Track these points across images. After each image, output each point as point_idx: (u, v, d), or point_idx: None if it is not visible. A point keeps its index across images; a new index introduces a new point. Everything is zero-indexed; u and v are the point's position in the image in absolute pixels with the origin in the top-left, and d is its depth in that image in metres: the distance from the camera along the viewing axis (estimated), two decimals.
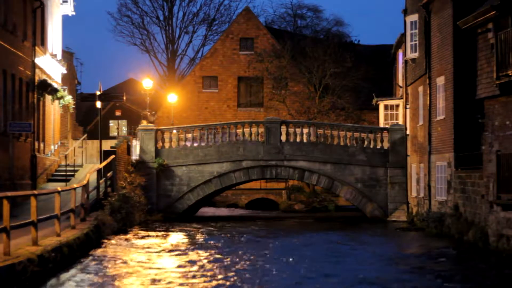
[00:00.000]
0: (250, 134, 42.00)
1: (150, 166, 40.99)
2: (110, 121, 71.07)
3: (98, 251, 24.54)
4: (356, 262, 23.64)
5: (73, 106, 44.79)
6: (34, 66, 35.79)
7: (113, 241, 27.67)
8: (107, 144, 39.73)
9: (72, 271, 20.34)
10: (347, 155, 41.34)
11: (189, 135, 41.56)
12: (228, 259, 23.83)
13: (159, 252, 25.54)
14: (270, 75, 56.86)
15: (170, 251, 26.02)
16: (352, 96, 56.29)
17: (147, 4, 77.16)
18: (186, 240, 29.98)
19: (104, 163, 34.24)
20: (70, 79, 48.35)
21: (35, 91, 35.98)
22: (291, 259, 23.88)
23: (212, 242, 29.17)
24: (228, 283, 19.15)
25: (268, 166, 41.65)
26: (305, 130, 42.12)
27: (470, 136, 31.82)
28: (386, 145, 41.74)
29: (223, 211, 50.36)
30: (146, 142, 41.49)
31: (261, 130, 42.23)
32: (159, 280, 19.40)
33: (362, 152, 41.25)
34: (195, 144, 41.44)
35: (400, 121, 45.66)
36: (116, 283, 18.82)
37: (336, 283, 19.50)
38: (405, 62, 42.41)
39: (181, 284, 18.93)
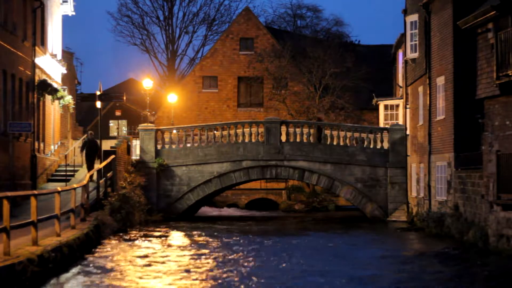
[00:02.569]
0: (250, 134, 41.99)
1: (150, 166, 40.96)
2: (110, 121, 71.06)
3: (98, 251, 24.53)
4: (356, 262, 23.64)
5: (73, 106, 44.80)
6: (34, 66, 35.81)
7: (113, 241, 27.66)
8: (107, 144, 39.72)
9: (72, 271, 20.34)
10: (347, 155, 41.33)
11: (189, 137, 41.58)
12: (228, 259, 23.83)
13: (159, 252, 25.54)
14: (270, 75, 56.86)
15: (170, 251, 26.02)
16: (352, 96, 56.28)
17: (147, 4, 77.27)
18: (186, 240, 29.98)
19: (104, 163, 34.23)
20: (70, 79, 48.36)
21: (35, 91, 35.99)
22: (291, 259, 23.89)
23: (212, 242, 29.17)
24: (227, 282, 19.16)
25: (268, 166, 41.62)
26: (305, 130, 42.15)
27: (470, 136, 31.82)
28: (386, 145, 41.73)
29: (223, 211, 50.33)
30: (146, 142, 41.46)
31: (261, 130, 42.21)
32: (159, 280, 19.40)
33: (362, 152, 41.25)
34: (195, 144, 41.47)
35: (400, 121, 45.65)
36: (116, 283, 18.82)
37: (335, 282, 19.49)
38: (405, 62, 42.41)
39: (180, 284, 18.93)
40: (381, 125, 46.73)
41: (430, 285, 19.44)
